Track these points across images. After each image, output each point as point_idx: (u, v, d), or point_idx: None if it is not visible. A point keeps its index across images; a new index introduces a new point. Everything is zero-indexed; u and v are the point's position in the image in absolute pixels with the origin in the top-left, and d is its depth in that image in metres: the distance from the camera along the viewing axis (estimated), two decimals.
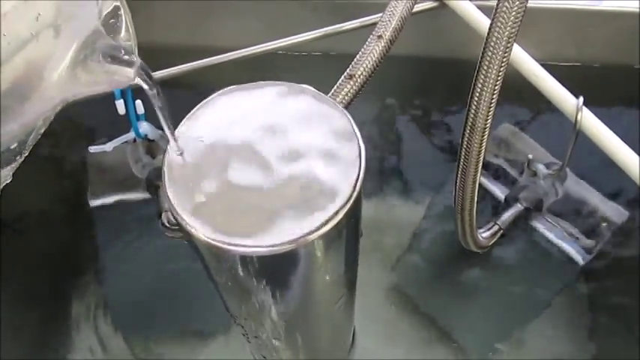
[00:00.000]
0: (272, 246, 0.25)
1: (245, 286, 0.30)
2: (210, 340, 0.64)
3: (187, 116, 0.29)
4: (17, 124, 0.20)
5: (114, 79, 0.23)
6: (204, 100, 0.30)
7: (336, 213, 0.26)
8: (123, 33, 0.23)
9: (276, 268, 0.27)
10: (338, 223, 0.26)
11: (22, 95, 0.19)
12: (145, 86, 0.25)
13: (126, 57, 0.23)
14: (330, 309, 0.37)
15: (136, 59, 0.24)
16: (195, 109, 0.29)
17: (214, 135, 0.28)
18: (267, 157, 0.27)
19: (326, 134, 0.28)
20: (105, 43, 0.22)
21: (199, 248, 0.28)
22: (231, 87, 0.30)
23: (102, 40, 0.22)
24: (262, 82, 0.30)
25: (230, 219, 0.26)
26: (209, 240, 0.25)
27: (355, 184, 0.26)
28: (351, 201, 0.26)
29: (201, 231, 0.26)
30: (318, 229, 0.25)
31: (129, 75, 0.23)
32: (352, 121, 0.28)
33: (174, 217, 0.27)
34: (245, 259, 0.26)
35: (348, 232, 0.28)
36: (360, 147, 0.27)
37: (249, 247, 0.25)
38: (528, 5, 0.37)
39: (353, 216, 0.27)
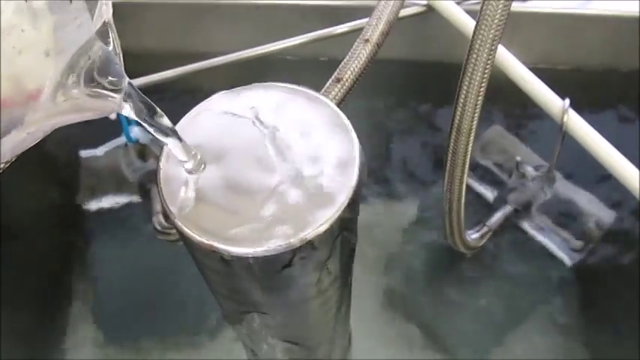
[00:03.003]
0: (268, 248, 0.25)
1: (240, 288, 0.30)
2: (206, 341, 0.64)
3: (181, 120, 0.29)
4: (9, 152, 0.19)
5: (98, 106, 0.22)
6: (198, 105, 0.30)
7: (332, 216, 0.26)
8: (111, 54, 0.21)
9: (272, 271, 0.27)
10: (332, 226, 0.26)
11: (12, 119, 0.18)
12: (133, 116, 0.23)
13: (111, 81, 0.21)
14: (326, 312, 0.37)
15: (124, 85, 0.22)
16: (188, 113, 0.29)
17: (209, 138, 0.28)
18: (263, 160, 0.27)
19: (323, 138, 0.28)
20: (91, 66, 0.20)
21: (195, 251, 0.28)
22: (225, 90, 0.30)
23: (89, 61, 0.20)
24: (258, 83, 0.30)
25: (225, 221, 0.26)
26: (203, 242, 0.26)
27: (352, 188, 0.26)
28: (347, 204, 0.26)
29: (195, 233, 0.26)
30: (313, 232, 0.25)
31: (115, 101, 0.22)
32: (350, 127, 0.28)
33: (168, 219, 0.27)
34: (239, 261, 0.26)
35: (343, 235, 0.29)
36: (357, 151, 0.27)
37: (244, 248, 0.25)
38: (521, 10, 0.38)
39: (349, 219, 0.28)
